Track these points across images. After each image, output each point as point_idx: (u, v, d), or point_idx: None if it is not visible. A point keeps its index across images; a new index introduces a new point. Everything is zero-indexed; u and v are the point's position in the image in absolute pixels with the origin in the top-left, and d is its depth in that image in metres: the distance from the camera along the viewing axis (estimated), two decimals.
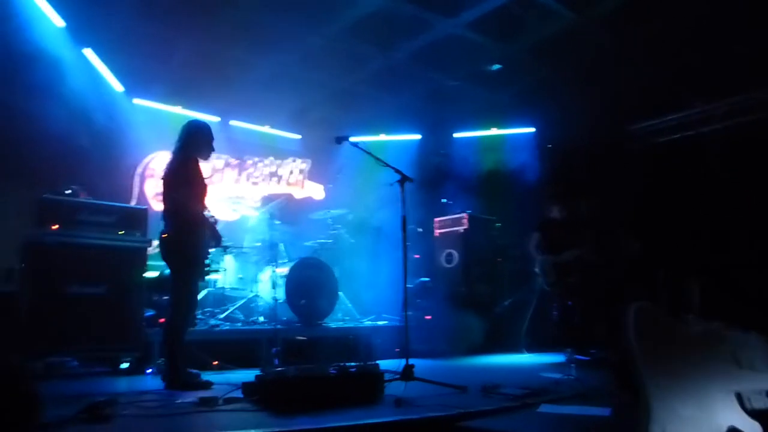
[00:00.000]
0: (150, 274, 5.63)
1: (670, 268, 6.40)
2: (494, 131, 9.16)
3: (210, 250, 4.89)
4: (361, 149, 4.46)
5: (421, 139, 9.46)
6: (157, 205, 7.21)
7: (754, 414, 2.80)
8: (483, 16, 6.43)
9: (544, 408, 3.46)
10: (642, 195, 7.29)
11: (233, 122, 8.52)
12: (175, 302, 4.38)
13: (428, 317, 7.25)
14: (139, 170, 7.60)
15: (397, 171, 4.32)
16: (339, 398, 3.59)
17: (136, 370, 5.07)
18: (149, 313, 5.46)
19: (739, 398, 2.87)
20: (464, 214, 7.79)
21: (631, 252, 6.76)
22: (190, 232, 4.35)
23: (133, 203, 7.09)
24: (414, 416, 3.22)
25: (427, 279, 7.71)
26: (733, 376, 2.98)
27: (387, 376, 3.99)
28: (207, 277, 6.25)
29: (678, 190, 7.01)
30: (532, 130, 9.01)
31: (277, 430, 2.91)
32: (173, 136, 4.65)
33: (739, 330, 3.28)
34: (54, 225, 4.79)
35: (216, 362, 5.28)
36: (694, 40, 6.44)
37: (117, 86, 7.31)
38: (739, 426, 2.73)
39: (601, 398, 3.68)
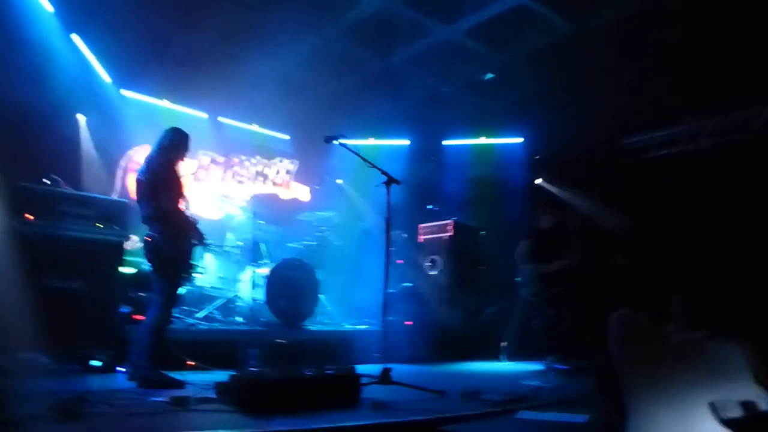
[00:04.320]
0: (127, 270, 5.56)
1: (656, 279, 6.45)
2: (483, 140, 9.20)
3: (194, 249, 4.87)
4: (350, 150, 4.46)
5: (410, 145, 9.47)
6: None
7: (727, 423, 2.82)
8: (481, 23, 6.51)
9: (523, 414, 3.46)
10: (631, 207, 7.35)
11: (222, 119, 8.48)
12: (161, 302, 4.37)
13: (409, 323, 7.22)
14: (122, 163, 7.52)
15: (384, 173, 4.32)
16: (315, 401, 3.56)
17: (109, 368, 4.98)
18: (125, 309, 5.38)
19: (713, 408, 2.89)
20: (450, 221, 7.79)
21: (620, 263, 6.80)
22: (177, 235, 4.43)
23: (114, 196, 7.00)
24: (392, 419, 3.20)
25: (410, 284, 7.70)
26: (709, 386, 3.01)
27: (365, 380, 3.97)
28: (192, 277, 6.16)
29: (665, 204, 7.08)
30: (520, 140, 9.06)
31: (253, 431, 2.88)
32: (158, 130, 4.71)
33: (717, 340, 3.31)
34: (30, 215, 4.70)
35: (191, 362, 5.21)
36: (686, 58, 6.53)
37: (105, 76, 7.23)
38: None
39: (579, 406, 3.69)
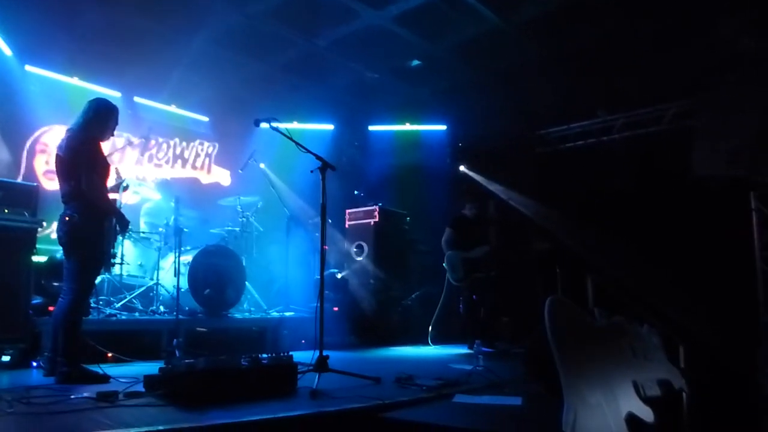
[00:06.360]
0: (39, 258, 5.19)
1: (569, 266, 6.80)
2: (408, 126, 9.29)
3: (116, 236, 4.61)
4: (282, 134, 4.35)
5: (334, 130, 9.40)
6: (48, 183, 6.69)
7: (647, 401, 3.04)
8: (410, 10, 6.50)
9: (459, 398, 3.54)
10: (548, 195, 7.69)
11: (137, 99, 8.03)
12: (73, 290, 4.08)
13: (336, 309, 7.24)
14: (27, 144, 6.97)
15: (319, 158, 4.26)
16: (251, 391, 3.49)
17: (20, 363, 4.64)
18: (37, 300, 5.03)
19: (636, 386, 3.10)
20: (376, 207, 7.84)
21: (538, 250, 7.11)
22: (96, 216, 4.17)
23: (19, 180, 6.49)
24: (332, 408, 3.19)
25: (336, 270, 7.70)
26: (631, 366, 3.23)
27: (300, 368, 3.93)
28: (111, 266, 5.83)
29: (580, 192, 7.46)
30: (444, 127, 9.22)
31: (189, 425, 2.78)
32: (67, 109, 4.37)
33: (634, 323, 3.56)
34: None
35: (110, 354, 4.96)
36: (602, 56, 6.88)
37: (5, 49, 6.63)
38: (636, 412, 2.95)
39: (512, 388, 3.84)
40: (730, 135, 6.06)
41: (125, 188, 4.88)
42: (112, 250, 4.61)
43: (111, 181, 4.57)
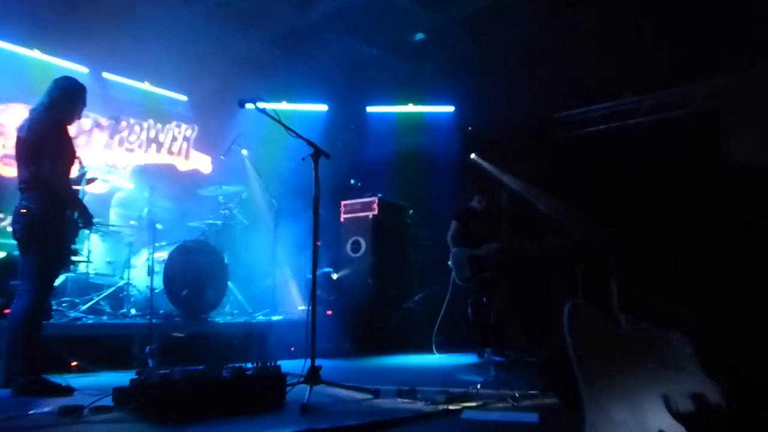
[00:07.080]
0: None
1: (589, 266, 6.75)
2: (411, 107, 9.22)
3: (78, 231, 4.57)
4: (270, 116, 4.30)
5: (329, 111, 9.35)
6: (5, 169, 6.64)
7: (679, 417, 3.01)
8: None
9: (468, 414, 3.50)
10: (565, 188, 7.63)
11: (106, 75, 7.97)
12: (30, 290, 4.06)
13: (329, 312, 7.21)
14: None
15: (311, 144, 4.22)
16: (234, 405, 3.46)
17: None
18: None
19: (666, 401, 3.07)
20: (375, 198, 7.80)
21: (555, 248, 7.05)
22: (56, 208, 4.15)
23: None
24: (325, 425, 3.15)
25: (330, 269, 7.67)
26: (661, 378, 3.19)
27: (289, 379, 3.90)
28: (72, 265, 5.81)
29: (600, 183, 7.41)
30: (451, 108, 9.16)
31: None
32: (27, 85, 4.35)
33: (664, 330, 3.52)
34: None
35: (75, 363, 4.93)
36: (625, 31, 6.81)
37: None
38: (667, 430, 2.92)
39: (527, 403, 3.80)
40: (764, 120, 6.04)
41: (88, 180, 4.84)
42: (72, 246, 4.56)
43: (74, 172, 4.55)
